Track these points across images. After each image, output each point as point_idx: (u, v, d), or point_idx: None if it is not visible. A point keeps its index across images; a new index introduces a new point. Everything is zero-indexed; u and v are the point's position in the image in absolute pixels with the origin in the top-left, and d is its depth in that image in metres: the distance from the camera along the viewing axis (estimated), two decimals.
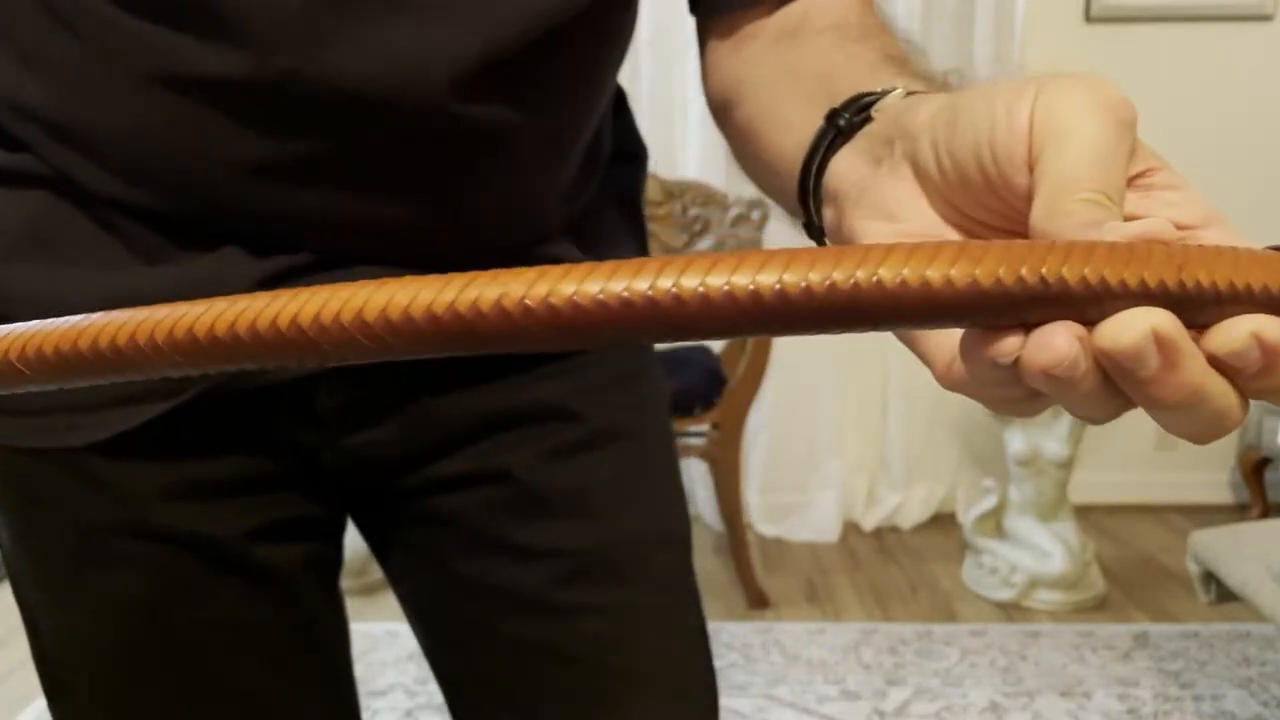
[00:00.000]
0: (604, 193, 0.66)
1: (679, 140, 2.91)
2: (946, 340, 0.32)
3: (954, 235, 0.35)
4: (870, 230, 0.36)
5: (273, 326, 0.26)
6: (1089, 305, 0.25)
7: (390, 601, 0.73)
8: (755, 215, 2.58)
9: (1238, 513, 3.05)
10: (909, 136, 0.35)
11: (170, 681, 0.62)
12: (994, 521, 2.61)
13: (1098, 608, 2.45)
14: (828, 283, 0.24)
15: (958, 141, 0.32)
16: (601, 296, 0.24)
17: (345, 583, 0.71)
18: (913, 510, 3.06)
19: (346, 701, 0.70)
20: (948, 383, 0.32)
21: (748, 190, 2.71)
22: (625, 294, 0.24)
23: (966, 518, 2.72)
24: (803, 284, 0.24)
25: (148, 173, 0.53)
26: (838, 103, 0.41)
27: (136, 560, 0.59)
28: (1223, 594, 1.78)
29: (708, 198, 2.61)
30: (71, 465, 0.58)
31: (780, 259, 0.24)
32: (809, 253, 0.24)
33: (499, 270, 0.25)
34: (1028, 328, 0.26)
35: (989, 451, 2.93)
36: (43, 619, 0.62)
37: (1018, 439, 2.50)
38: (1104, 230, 0.27)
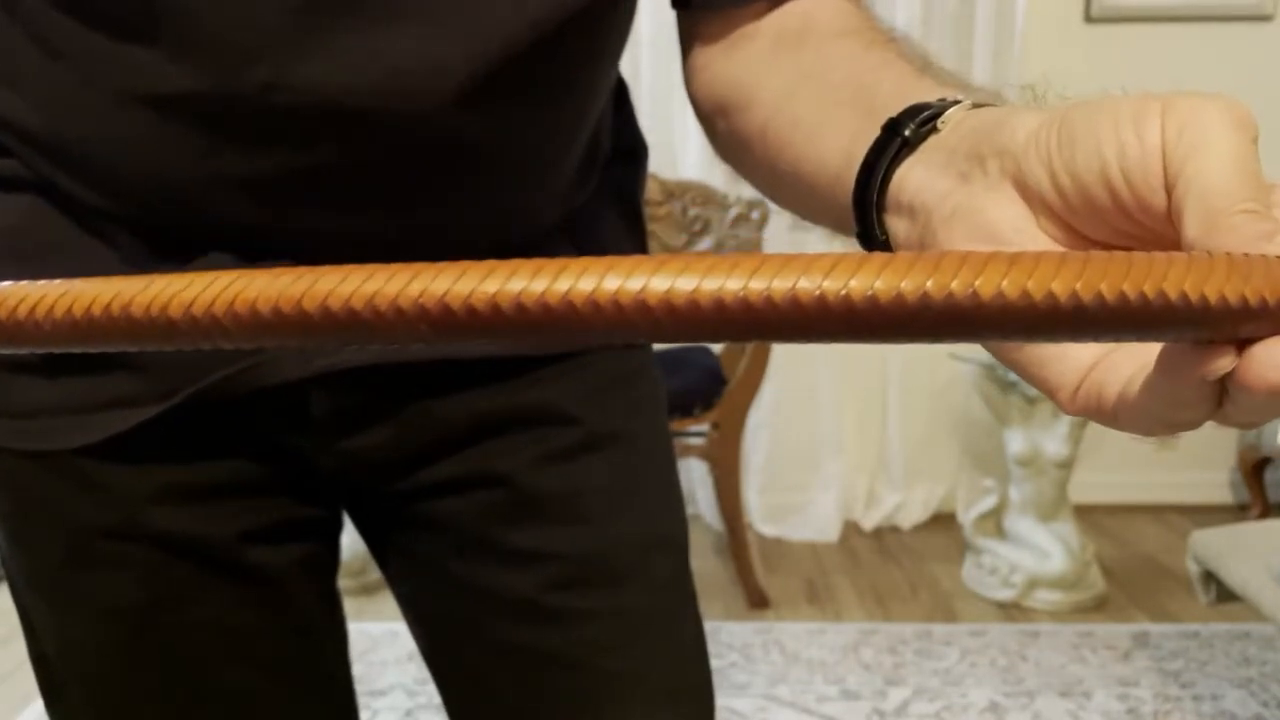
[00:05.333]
0: (603, 192, 0.65)
1: (679, 140, 2.91)
2: (1073, 366, 0.32)
3: None
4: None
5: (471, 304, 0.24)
6: None
7: (390, 601, 0.73)
8: (755, 215, 2.58)
9: (1238, 513, 3.05)
10: (1008, 155, 0.34)
11: (164, 686, 0.62)
12: (994, 521, 2.61)
13: (1097, 608, 2.45)
14: (1070, 293, 0.24)
15: (1081, 164, 0.31)
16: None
17: (344, 582, 0.71)
18: (913, 510, 3.06)
19: (343, 703, 0.69)
20: (1077, 406, 0.32)
21: (748, 190, 2.70)
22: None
23: (966, 518, 2.72)
24: (1044, 294, 0.23)
25: (131, 186, 0.53)
26: (888, 111, 0.40)
27: (128, 563, 0.59)
28: (1223, 594, 1.78)
29: (708, 198, 2.60)
30: (65, 468, 0.58)
31: (1000, 263, 0.24)
32: (1046, 257, 0.24)
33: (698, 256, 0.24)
34: (1239, 345, 0.26)
35: (989, 451, 2.93)
36: (39, 622, 0.62)
37: (1018, 439, 2.50)
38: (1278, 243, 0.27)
